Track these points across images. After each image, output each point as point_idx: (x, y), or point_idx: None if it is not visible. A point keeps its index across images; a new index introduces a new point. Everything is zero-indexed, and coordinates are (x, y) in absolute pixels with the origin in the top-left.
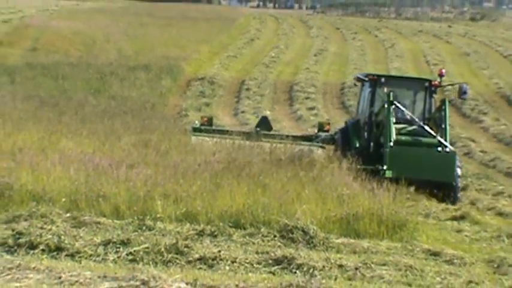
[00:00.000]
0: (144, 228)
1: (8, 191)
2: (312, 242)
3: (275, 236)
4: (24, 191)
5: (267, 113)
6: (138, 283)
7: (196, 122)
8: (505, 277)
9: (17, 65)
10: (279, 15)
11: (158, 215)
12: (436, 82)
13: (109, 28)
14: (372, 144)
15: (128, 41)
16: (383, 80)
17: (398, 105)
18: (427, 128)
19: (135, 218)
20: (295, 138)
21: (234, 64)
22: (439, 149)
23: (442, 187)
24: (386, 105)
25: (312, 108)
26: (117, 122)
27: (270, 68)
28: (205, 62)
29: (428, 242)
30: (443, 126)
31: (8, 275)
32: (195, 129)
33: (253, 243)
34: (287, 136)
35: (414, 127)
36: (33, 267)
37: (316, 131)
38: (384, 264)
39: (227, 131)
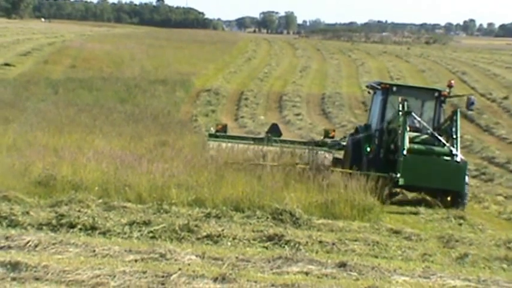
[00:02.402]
0: (161, 211)
1: (52, 181)
2: (298, 223)
3: (267, 218)
4: (65, 181)
5: (261, 118)
6: (157, 255)
7: (212, 128)
8: (452, 250)
9: (59, 79)
10: (271, 39)
11: (173, 201)
12: (446, 92)
13: (134, 49)
14: (382, 150)
15: (148, 59)
16: (395, 88)
17: (415, 116)
18: (440, 138)
19: (155, 203)
20: (304, 144)
21: (235, 78)
22: (449, 158)
23: (450, 194)
24: (401, 115)
25: (297, 114)
26: (140, 125)
27: (263, 82)
28: (211, 76)
29: (391, 222)
30: (454, 136)
31: (52, 248)
32: (211, 135)
33: (250, 223)
34: (296, 142)
35: (426, 136)
36: (73, 243)
37: (322, 137)
38: (355, 240)
39: (240, 137)
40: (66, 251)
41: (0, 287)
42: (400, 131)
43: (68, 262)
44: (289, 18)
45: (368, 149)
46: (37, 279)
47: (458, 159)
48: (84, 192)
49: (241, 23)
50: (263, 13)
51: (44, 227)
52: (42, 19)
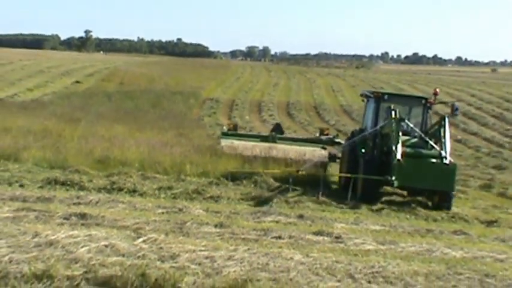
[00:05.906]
0: (180, 180)
1: (107, 159)
2: (271, 188)
3: (251, 185)
4: (116, 159)
5: (247, 117)
6: (176, 210)
7: (224, 127)
8: (373, 205)
9: (112, 91)
10: (253, 64)
11: (187, 173)
12: (431, 100)
13: (161, 71)
14: (375, 152)
15: (171, 78)
16: (386, 96)
17: (408, 123)
18: (431, 142)
19: (175, 174)
20: (303, 141)
21: (229, 91)
22: (439, 160)
23: (438, 194)
24: (394, 121)
25: (271, 115)
26: (165, 123)
27: (248, 93)
28: (213, 89)
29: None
30: (443, 140)
31: (107, 204)
32: (224, 134)
33: (239, 189)
34: (296, 139)
35: (415, 139)
36: (121, 201)
37: (317, 134)
38: (309, 201)
39: (249, 135)
40: (117, 206)
41: (74, 230)
42: (393, 136)
43: (118, 213)
44: (265, 51)
45: (363, 151)
46: (97, 224)
47: (447, 161)
48: (128, 167)
49: (233, 54)
50: (248, 47)
51: (102, 190)
52: (101, 52)
